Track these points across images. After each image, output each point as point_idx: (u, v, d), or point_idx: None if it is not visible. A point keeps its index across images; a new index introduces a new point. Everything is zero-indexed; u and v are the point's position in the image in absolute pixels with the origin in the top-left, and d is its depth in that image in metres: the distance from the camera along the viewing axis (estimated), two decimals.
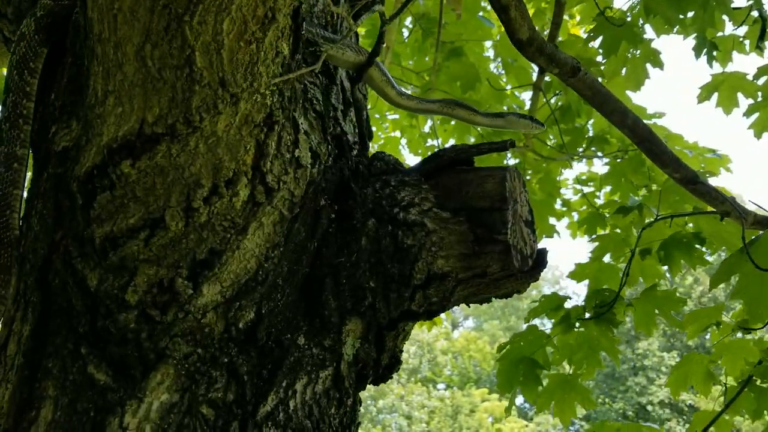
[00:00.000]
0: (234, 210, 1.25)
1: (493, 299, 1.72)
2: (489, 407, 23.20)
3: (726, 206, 1.51)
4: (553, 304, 2.60)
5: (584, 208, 4.80)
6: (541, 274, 1.72)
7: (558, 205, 5.09)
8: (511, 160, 4.78)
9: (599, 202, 4.71)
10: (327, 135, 1.44)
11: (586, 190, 4.75)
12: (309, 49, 1.50)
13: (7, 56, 1.81)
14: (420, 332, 22.10)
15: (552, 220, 4.74)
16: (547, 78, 3.19)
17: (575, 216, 4.98)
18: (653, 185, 3.76)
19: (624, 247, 2.85)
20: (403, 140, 5.89)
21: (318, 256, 1.43)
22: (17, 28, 1.61)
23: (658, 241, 2.62)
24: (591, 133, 3.78)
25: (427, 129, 5.52)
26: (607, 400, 27.27)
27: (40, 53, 1.46)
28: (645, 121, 3.61)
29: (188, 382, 1.25)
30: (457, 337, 29.14)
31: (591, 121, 3.75)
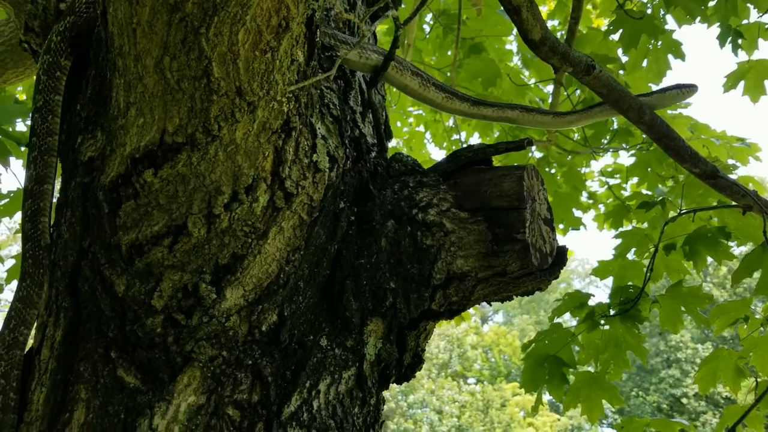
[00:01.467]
0: (254, 215, 1.27)
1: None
2: (520, 401, 23.10)
3: (748, 200, 1.49)
4: (576, 302, 2.59)
5: (611, 200, 4.77)
6: (563, 270, 1.72)
7: (584, 198, 5.06)
8: (536, 153, 4.76)
9: (626, 193, 4.66)
10: (345, 139, 1.46)
11: (612, 182, 4.71)
12: (326, 54, 1.52)
13: (35, 68, 1.86)
14: (449, 327, 22.08)
15: (578, 213, 4.71)
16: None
17: (602, 208, 4.94)
18: (680, 176, 3.71)
19: (648, 242, 2.82)
20: (427, 134, 5.91)
21: (338, 258, 1.45)
22: (44, 41, 1.66)
23: (683, 236, 2.59)
24: (615, 126, 3.74)
25: (451, 123, 5.52)
26: (640, 393, 26.96)
27: (64, 66, 1.51)
28: (670, 112, 3.58)
29: (214, 384, 1.28)
30: (487, 331, 29.03)
31: None
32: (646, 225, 3.14)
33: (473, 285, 1.53)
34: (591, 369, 2.68)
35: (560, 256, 1.64)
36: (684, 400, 24.40)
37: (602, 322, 2.49)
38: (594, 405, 2.60)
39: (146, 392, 1.26)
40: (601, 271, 2.88)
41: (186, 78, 1.14)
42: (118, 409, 1.27)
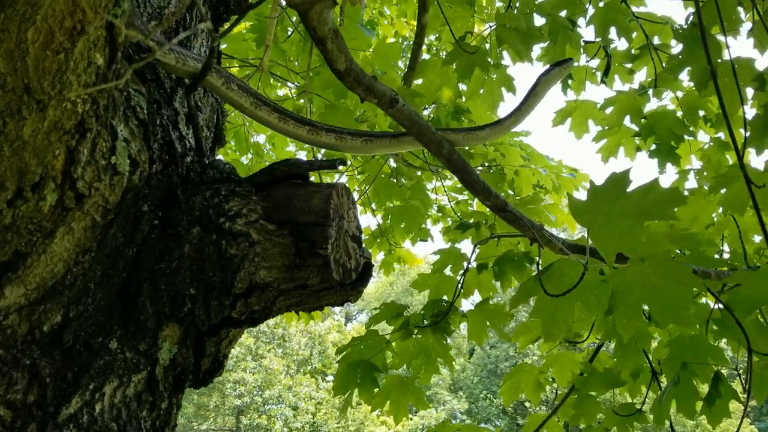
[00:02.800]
0: (41, 214, 1.25)
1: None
2: None
3: (530, 233, 1.66)
4: (393, 311, 2.74)
5: (460, 214, 5.03)
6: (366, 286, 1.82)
7: (435, 210, 5.31)
8: (392, 163, 4.92)
9: (473, 208, 4.94)
10: (151, 142, 1.46)
11: (461, 198, 4.96)
12: (142, 56, 1.52)
13: None
14: (312, 324, 22.08)
15: (427, 225, 4.95)
16: None
17: (450, 221, 5.20)
18: (517, 197, 4.00)
19: (464, 261, 3.02)
20: None
21: (137, 261, 1.45)
22: None
23: (495, 257, 2.81)
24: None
25: None
26: (489, 395, 28.38)
27: None
28: (509, 139, 3.83)
29: None
30: (350, 330, 29.36)
31: None
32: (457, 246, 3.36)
33: (275, 296, 1.59)
34: (402, 373, 2.84)
35: (365, 272, 1.73)
36: (527, 404, 25.97)
37: (415, 331, 2.65)
38: (401, 406, 2.77)
39: None
40: (420, 283, 3.05)
41: None
42: None
